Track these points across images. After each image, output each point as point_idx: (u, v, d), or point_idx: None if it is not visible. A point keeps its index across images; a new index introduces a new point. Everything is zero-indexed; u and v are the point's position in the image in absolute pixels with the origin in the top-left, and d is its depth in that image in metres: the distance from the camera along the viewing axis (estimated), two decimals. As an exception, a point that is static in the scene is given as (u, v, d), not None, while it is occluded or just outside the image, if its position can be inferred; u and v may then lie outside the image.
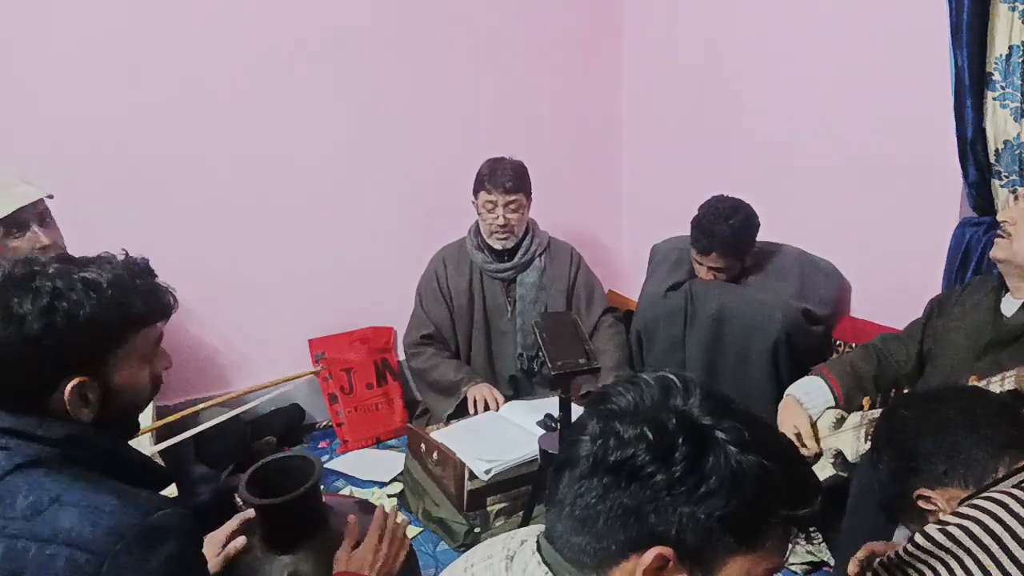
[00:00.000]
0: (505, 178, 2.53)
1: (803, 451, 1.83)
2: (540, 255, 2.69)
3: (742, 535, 0.71)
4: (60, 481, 0.96)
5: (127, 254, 1.11)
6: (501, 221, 2.55)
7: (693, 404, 0.75)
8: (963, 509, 1.04)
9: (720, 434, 0.72)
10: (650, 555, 0.70)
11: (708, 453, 0.71)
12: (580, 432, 0.77)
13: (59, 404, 1.01)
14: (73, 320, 0.99)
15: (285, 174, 2.76)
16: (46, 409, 1.01)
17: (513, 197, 2.54)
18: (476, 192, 2.61)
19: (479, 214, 2.63)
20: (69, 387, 1.00)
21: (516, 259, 2.65)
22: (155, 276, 1.12)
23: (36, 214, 1.93)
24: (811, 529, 0.77)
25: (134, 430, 1.15)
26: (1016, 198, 1.74)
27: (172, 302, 1.13)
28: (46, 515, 0.92)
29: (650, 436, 0.71)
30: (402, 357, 3.07)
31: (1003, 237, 1.69)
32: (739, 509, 0.70)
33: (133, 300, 1.05)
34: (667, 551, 0.70)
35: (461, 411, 2.55)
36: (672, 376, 0.77)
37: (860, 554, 1.29)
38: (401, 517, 1.37)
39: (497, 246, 2.61)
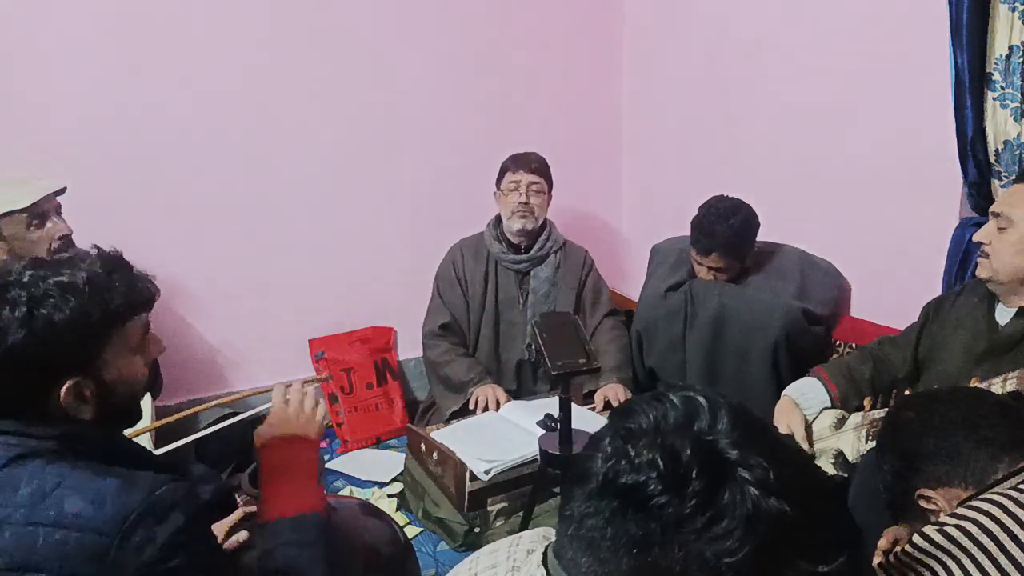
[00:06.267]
0: (530, 160, 2.64)
1: None
2: (555, 252, 2.74)
3: None
4: (60, 468, 0.96)
5: (100, 249, 1.08)
6: (524, 199, 2.61)
7: (719, 432, 0.68)
8: (961, 510, 1.05)
9: (742, 472, 0.65)
10: None
11: (724, 490, 0.65)
12: (595, 448, 0.72)
13: (57, 406, 1.01)
14: (54, 326, 0.97)
15: (285, 174, 2.76)
16: (45, 411, 1.01)
17: (536, 178, 2.63)
18: (500, 180, 2.68)
19: (502, 201, 2.67)
20: (64, 390, 1.00)
21: (532, 252, 2.70)
22: (131, 268, 1.09)
23: (54, 206, 2.05)
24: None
25: (136, 417, 1.15)
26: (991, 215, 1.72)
27: (152, 290, 1.11)
28: (50, 501, 0.93)
29: (661, 464, 0.65)
30: (402, 357, 3.09)
31: (984, 256, 1.68)
32: (753, 555, 0.64)
33: (112, 296, 1.03)
34: None
35: (465, 409, 2.56)
36: (700, 398, 0.71)
37: (883, 543, 1.30)
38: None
39: (517, 226, 2.64)
